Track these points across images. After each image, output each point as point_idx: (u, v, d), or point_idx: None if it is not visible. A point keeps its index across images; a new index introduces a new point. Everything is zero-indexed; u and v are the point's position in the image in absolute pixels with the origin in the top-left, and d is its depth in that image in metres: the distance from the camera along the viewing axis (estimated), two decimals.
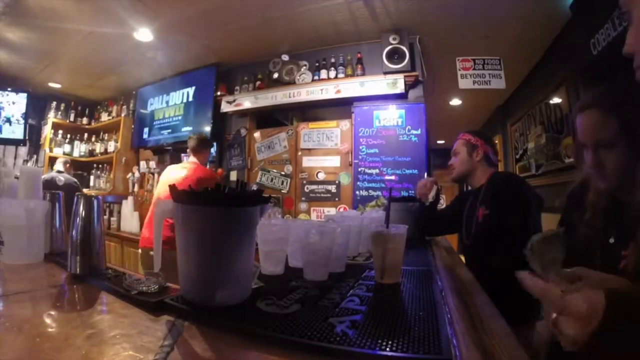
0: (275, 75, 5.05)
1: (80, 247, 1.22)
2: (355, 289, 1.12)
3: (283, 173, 4.96)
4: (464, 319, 0.92)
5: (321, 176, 4.76)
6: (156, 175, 5.87)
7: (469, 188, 2.63)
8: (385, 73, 4.35)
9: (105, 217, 5.88)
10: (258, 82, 5.18)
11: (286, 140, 5.01)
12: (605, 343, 0.73)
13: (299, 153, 4.91)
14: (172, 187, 0.94)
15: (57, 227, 1.61)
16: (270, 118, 5.54)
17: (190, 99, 5.71)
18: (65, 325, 0.83)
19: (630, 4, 0.95)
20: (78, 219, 1.24)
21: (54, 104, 6.74)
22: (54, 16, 4.12)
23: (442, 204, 2.81)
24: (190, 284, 0.94)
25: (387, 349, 0.70)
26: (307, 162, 4.87)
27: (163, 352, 0.68)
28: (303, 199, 4.81)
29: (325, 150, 4.81)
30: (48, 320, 0.86)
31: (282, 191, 4.94)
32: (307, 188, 4.80)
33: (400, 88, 4.28)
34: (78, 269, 1.22)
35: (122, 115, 6.60)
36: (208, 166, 5.36)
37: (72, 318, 0.88)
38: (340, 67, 4.68)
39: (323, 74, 4.75)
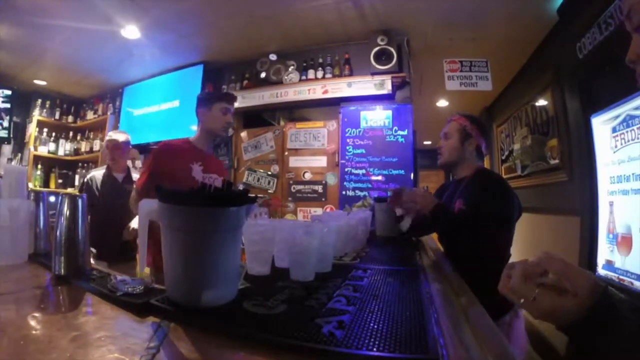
0: (263, 75, 5.03)
1: (65, 247, 1.21)
2: (341, 289, 1.12)
3: (270, 173, 4.94)
4: (451, 318, 0.93)
5: (308, 176, 4.76)
6: None
7: (453, 178, 2.47)
8: (373, 74, 4.37)
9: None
10: (245, 82, 5.17)
11: (273, 140, 4.99)
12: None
13: (286, 153, 4.89)
14: (158, 187, 0.93)
15: (42, 227, 1.59)
16: (257, 118, 5.53)
17: (177, 97, 5.67)
18: (50, 327, 0.82)
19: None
20: (62, 218, 1.23)
21: (39, 101, 6.64)
22: (40, 12, 4.06)
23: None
24: (175, 285, 0.93)
25: (375, 349, 0.70)
26: (293, 162, 4.86)
27: (149, 354, 0.68)
28: (290, 199, 4.80)
29: (312, 150, 4.80)
30: (32, 322, 0.86)
31: (269, 191, 4.92)
32: (294, 188, 4.79)
33: (387, 89, 4.30)
34: (62, 270, 1.20)
35: (108, 113, 6.53)
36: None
37: (56, 320, 0.87)
38: (328, 68, 4.69)
39: (311, 74, 4.76)
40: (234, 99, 2.75)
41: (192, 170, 2.45)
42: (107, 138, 3.72)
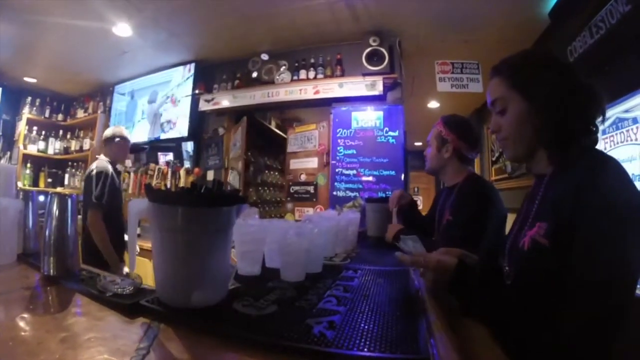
0: (255, 75, 5.01)
1: (54, 247, 1.20)
2: (332, 289, 1.13)
3: None
4: (441, 318, 0.93)
5: (303, 177, 4.79)
6: (132, 174, 5.79)
7: (444, 185, 2.44)
8: (365, 74, 4.36)
9: (79, 216, 5.75)
10: (237, 81, 5.14)
11: None
12: (455, 289, 1.09)
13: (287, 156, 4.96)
14: (148, 187, 0.93)
15: (31, 227, 1.58)
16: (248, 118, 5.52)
17: (169, 97, 5.64)
18: (39, 329, 0.82)
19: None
20: (51, 218, 1.22)
21: (29, 99, 6.55)
22: (31, 9, 4.02)
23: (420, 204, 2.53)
24: (165, 285, 0.93)
25: (365, 349, 0.71)
26: (293, 164, 4.95)
27: (139, 355, 0.68)
28: (289, 199, 4.84)
29: (306, 152, 4.83)
30: (21, 323, 0.85)
31: None
32: (292, 189, 4.84)
33: (378, 90, 4.30)
34: (52, 270, 1.19)
35: (99, 112, 6.46)
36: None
37: (45, 321, 0.87)
38: (320, 68, 4.68)
39: (302, 74, 4.74)
40: None
41: None
42: (119, 133, 3.67)
